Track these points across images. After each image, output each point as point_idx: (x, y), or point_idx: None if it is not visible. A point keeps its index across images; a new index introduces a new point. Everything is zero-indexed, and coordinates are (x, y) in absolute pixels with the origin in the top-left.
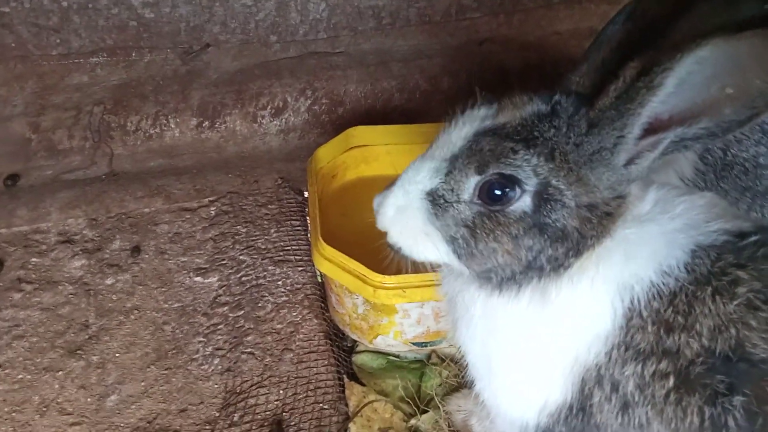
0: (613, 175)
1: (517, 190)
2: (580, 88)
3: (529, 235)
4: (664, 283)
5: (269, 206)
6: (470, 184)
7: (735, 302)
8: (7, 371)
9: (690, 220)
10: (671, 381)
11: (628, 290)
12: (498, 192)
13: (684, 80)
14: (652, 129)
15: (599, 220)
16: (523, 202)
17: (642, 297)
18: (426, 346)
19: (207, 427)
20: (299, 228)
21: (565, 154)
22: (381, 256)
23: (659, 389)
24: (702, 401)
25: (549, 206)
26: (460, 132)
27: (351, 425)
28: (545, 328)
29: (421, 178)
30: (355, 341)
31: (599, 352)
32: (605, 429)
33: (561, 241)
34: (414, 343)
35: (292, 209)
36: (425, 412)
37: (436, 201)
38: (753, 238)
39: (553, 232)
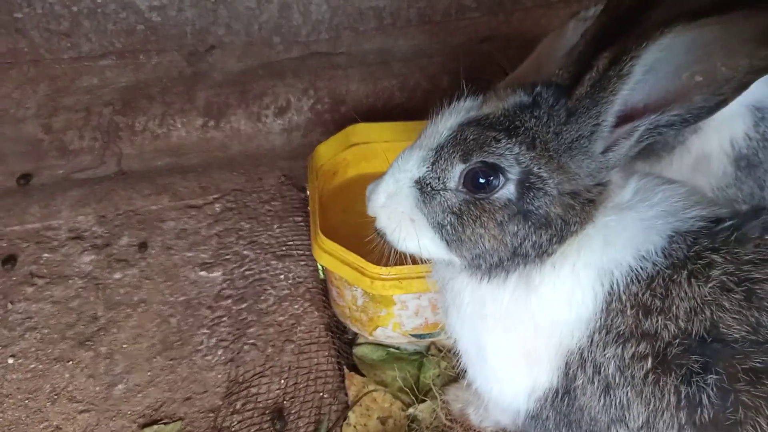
0: (592, 163)
1: (501, 178)
2: (560, 80)
3: (513, 221)
4: (642, 268)
5: (272, 203)
6: (455, 172)
7: (709, 285)
8: (20, 361)
9: (668, 207)
10: (649, 362)
11: (608, 275)
12: (482, 180)
13: (652, 68)
14: (628, 117)
15: (582, 207)
16: (507, 190)
17: (621, 281)
18: (425, 337)
19: (210, 415)
20: (301, 224)
21: (545, 143)
22: (381, 250)
23: (638, 370)
24: (678, 381)
25: (532, 194)
26: (446, 123)
27: (350, 414)
28: (530, 314)
29: (410, 166)
30: (356, 334)
31: (582, 335)
32: (589, 411)
33: (545, 227)
34: (413, 335)
35: (294, 206)
36: (423, 401)
37: (424, 189)
38: (728, 223)
39: (536, 218)
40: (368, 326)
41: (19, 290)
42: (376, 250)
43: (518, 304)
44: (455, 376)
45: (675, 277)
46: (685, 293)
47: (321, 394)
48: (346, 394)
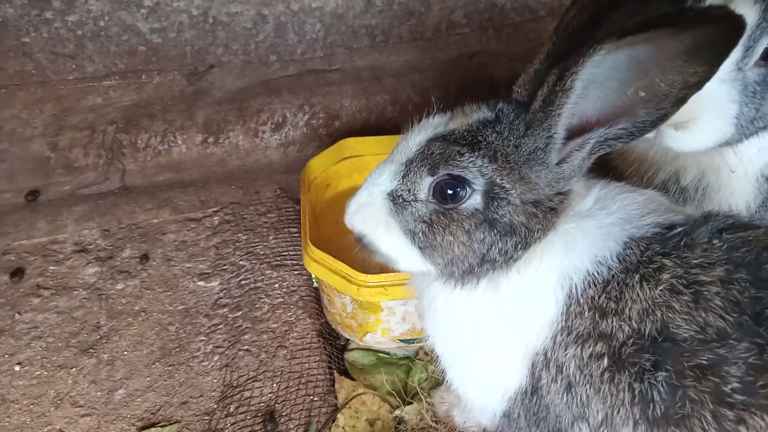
0: (549, 173)
1: (467, 189)
2: (520, 97)
3: (480, 229)
4: (598, 272)
5: (268, 215)
6: (424, 184)
7: (660, 288)
8: (26, 368)
9: (625, 215)
10: (605, 361)
11: (567, 279)
12: (450, 191)
13: (594, 83)
14: (580, 130)
15: (544, 215)
16: (474, 200)
17: (579, 285)
18: (413, 342)
19: (205, 418)
20: (296, 234)
21: (506, 156)
22: (372, 260)
23: (596, 369)
24: (631, 378)
25: (497, 203)
26: (415, 139)
27: (339, 416)
28: (499, 317)
29: (383, 180)
30: (348, 340)
31: (545, 336)
32: (554, 409)
33: (510, 234)
34: (401, 340)
35: (290, 217)
36: (410, 404)
37: (396, 200)
38: (678, 229)
39: (502, 226)
40: (358, 332)
41: (26, 301)
42: (368, 258)
43: (488, 308)
44: (442, 380)
45: (628, 280)
46: (638, 296)
47: (311, 397)
48: (336, 397)
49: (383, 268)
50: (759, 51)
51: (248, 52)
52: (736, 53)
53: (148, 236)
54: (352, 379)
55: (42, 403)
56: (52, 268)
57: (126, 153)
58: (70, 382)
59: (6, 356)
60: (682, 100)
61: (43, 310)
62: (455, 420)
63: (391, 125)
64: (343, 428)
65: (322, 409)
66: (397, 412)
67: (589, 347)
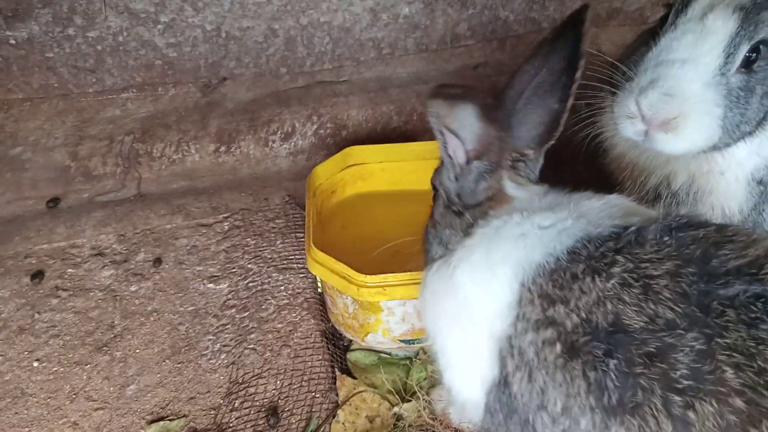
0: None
1: None
2: None
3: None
4: (547, 263)
5: (276, 220)
6: None
7: (611, 281)
8: (44, 364)
9: (585, 214)
10: (558, 347)
11: (520, 269)
12: None
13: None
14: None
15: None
16: None
17: (530, 275)
18: (413, 343)
19: (212, 412)
20: (302, 239)
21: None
22: (375, 263)
23: (550, 354)
24: (585, 366)
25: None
26: None
27: (339, 412)
28: (462, 303)
29: None
30: (351, 340)
31: (507, 323)
32: (521, 398)
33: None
34: (402, 341)
35: (297, 223)
36: (408, 401)
37: None
38: (632, 228)
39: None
40: (360, 332)
41: (45, 302)
42: (373, 261)
43: (452, 291)
44: (441, 380)
45: (578, 273)
46: (589, 288)
47: (313, 394)
48: (337, 395)
49: (382, 270)
50: (740, 57)
51: (259, 65)
52: (718, 59)
53: (161, 241)
54: (354, 377)
55: (58, 397)
56: (70, 270)
57: (142, 162)
58: (85, 377)
59: (26, 353)
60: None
61: (61, 310)
62: (452, 417)
63: (396, 134)
64: (343, 424)
65: (323, 405)
66: (396, 409)
67: (542, 333)
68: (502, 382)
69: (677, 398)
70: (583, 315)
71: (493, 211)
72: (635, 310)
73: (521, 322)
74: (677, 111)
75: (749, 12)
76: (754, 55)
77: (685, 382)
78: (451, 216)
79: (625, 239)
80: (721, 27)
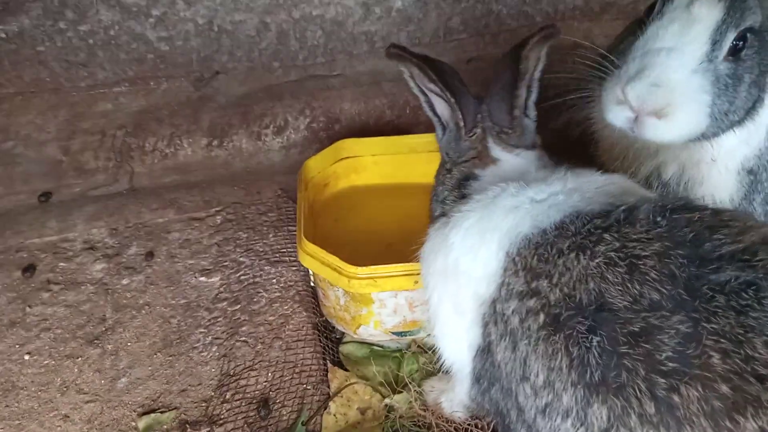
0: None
1: None
2: None
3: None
4: (533, 235)
5: (269, 214)
6: None
7: (596, 259)
8: (35, 357)
9: (578, 189)
10: (541, 317)
11: (506, 239)
12: None
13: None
14: None
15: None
16: None
17: (516, 246)
18: (405, 335)
19: (203, 405)
20: (295, 232)
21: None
22: (369, 257)
23: (533, 324)
24: (568, 341)
25: None
26: None
27: (331, 404)
28: (452, 263)
29: None
30: (343, 333)
31: (491, 287)
32: (504, 367)
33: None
34: (394, 333)
35: (289, 216)
36: (400, 393)
37: None
38: (623, 207)
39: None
40: (351, 325)
41: (36, 295)
42: (365, 254)
43: (445, 251)
44: (433, 372)
45: (564, 249)
46: (573, 264)
47: (305, 386)
48: (329, 387)
49: (376, 263)
50: (726, 45)
51: (252, 59)
52: (704, 46)
53: (153, 234)
54: (346, 370)
55: (49, 390)
56: (62, 264)
57: (134, 156)
58: (76, 370)
59: (17, 346)
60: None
61: (52, 303)
62: (443, 406)
63: (389, 128)
64: (334, 415)
65: (315, 397)
66: (387, 400)
67: (527, 302)
68: (486, 350)
69: (662, 380)
70: (566, 291)
71: (478, 170)
72: (619, 290)
73: (505, 289)
74: (664, 100)
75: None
76: (741, 43)
77: (670, 365)
78: (444, 173)
79: (614, 217)
80: (706, 14)
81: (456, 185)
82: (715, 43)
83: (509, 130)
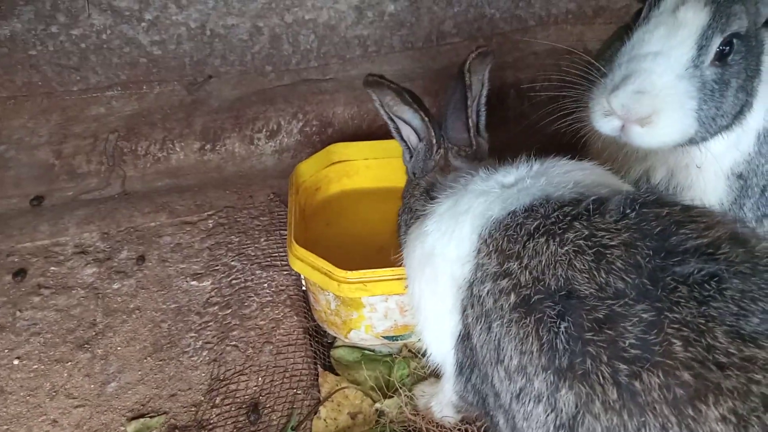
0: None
1: None
2: None
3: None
4: (503, 217)
5: (261, 218)
6: None
7: (565, 247)
8: (24, 362)
9: (543, 174)
10: (512, 297)
11: (479, 221)
12: None
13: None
14: None
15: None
16: None
17: (488, 228)
18: (396, 339)
19: (192, 409)
20: (286, 236)
21: None
22: (360, 261)
23: (505, 303)
24: (539, 325)
25: None
26: None
27: (321, 408)
28: (428, 249)
29: None
30: (335, 337)
31: (466, 268)
32: (480, 351)
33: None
34: (385, 337)
35: (281, 220)
36: (390, 398)
37: None
38: (594, 197)
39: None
40: (342, 329)
41: (27, 300)
42: (357, 258)
43: (418, 244)
44: (424, 376)
45: (533, 232)
46: (542, 248)
47: (295, 390)
48: (319, 391)
49: (365, 266)
50: (712, 50)
51: (245, 63)
52: (690, 51)
53: (145, 239)
54: (337, 374)
55: (38, 394)
56: (52, 268)
57: (127, 160)
58: (66, 375)
59: (6, 351)
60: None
61: (42, 308)
62: (433, 410)
63: (382, 132)
64: (324, 420)
65: (305, 402)
66: (378, 405)
67: (500, 282)
68: (466, 335)
69: (624, 367)
70: (535, 274)
71: (441, 177)
72: (585, 277)
73: (480, 271)
74: (650, 108)
75: (721, 5)
76: (728, 48)
77: (633, 352)
78: (411, 189)
79: (584, 206)
80: (692, 19)
81: (424, 192)
82: (702, 48)
83: (467, 148)
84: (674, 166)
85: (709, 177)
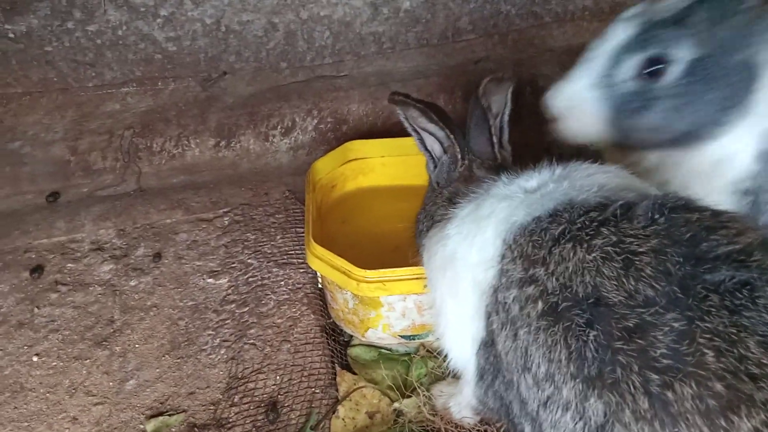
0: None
1: None
2: None
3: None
4: (527, 224)
5: (277, 215)
6: None
7: (593, 253)
8: (43, 359)
9: (565, 178)
10: (540, 305)
11: (503, 225)
12: None
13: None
14: None
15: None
16: None
17: (512, 233)
18: (414, 339)
19: (211, 408)
20: (302, 234)
21: None
22: (376, 259)
23: (532, 311)
24: (567, 333)
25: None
26: None
27: (339, 408)
28: (449, 254)
29: None
30: (351, 336)
31: (489, 273)
32: (505, 357)
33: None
34: (402, 336)
35: (297, 218)
36: (409, 397)
37: None
38: (622, 201)
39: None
40: (360, 328)
41: (44, 296)
42: (373, 256)
43: (441, 247)
44: (441, 376)
45: (558, 237)
46: (569, 255)
47: (313, 389)
48: (337, 390)
49: (383, 265)
50: (626, 65)
51: (259, 59)
52: (605, 64)
53: (161, 236)
54: (354, 373)
55: (57, 391)
56: (69, 265)
57: (142, 156)
58: (84, 372)
59: (25, 348)
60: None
61: (60, 304)
62: (452, 411)
63: (397, 129)
64: (343, 419)
65: (323, 401)
66: (396, 405)
67: (526, 289)
68: (489, 342)
69: (655, 377)
70: (562, 281)
71: (464, 188)
72: (614, 284)
73: (505, 277)
74: (555, 109)
75: (649, 27)
76: (662, 67)
77: (664, 362)
78: (434, 194)
79: (611, 211)
80: (614, 36)
81: (447, 200)
82: (617, 63)
83: (490, 161)
84: (686, 176)
85: (713, 194)
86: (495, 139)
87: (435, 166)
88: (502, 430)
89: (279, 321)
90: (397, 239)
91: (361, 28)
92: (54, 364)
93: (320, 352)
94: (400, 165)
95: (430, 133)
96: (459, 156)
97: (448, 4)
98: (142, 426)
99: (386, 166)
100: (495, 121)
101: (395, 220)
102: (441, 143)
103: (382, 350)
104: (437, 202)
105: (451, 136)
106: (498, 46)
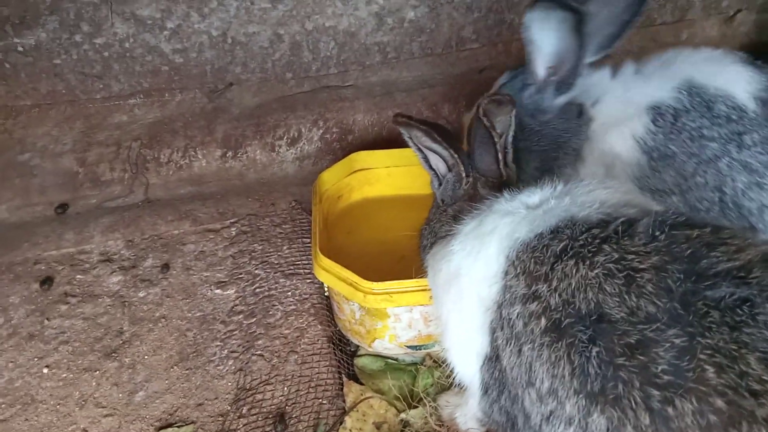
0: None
1: None
2: None
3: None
4: (530, 239)
5: (283, 226)
6: None
7: (595, 270)
8: (53, 371)
9: (567, 194)
10: (543, 322)
11: (506, 242)
12: None
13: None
14: None
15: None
16: None
17: (515, 250)
18: (420, 349)
19: (219, 419)
20: (309, 244)
21: None
22: (382, 269)
23: (536, 327)
24: (570, 349)
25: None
26: None
27: (347, 418)
28: (454, 270)
29: None
30: (358, 346)
31: (493, 289)
32: (510, 372)
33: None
34: (409, 347)
35: (304, 228)
36: (415, 408)
37: None
38: (622, 219)
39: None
40: (366, 338)
41: (54, 308)
42: (379, 267)
43: (445, 265)
44: (448, 386)
45: (560, 254)
46: (572, 271)
47: (320, 400)
48: (344, 401)
49: (389, 275)
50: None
51: (265, 70)
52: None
53: (169, 246)
54: (361, 383)
55: (68, 403)
56: (79, 276)
57: (149, 167)
58: (94, 384)
59: (35, 359)
60: None
61: (70, 316)
62: (458, 421)
63: (401, 139)
64: (350, 430)
65: (331, 411)
66: (403, 415)
67: (529, 306)
68: (494, 357)
69: (656, 393)
70: (565, 297)
71: (468, 206)
72: (616, 301)
73: (508, 293)
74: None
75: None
76: None
77: (666, 378)
78: (438, 211)
79: (613, 228)
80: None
81: (451, 218)
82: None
83: (495, 179)
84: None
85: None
86: (500, 158)
87: (440, 184)
88: None
89: (286, 332)
90: (403, 249)
91: (366, 39)
92: (64, 375)
93: (327, 363)
94: (405, 175)
95: (435, 152)
96: (463, 174)
97: (452, 13)
98: None
99: (392, 176)
100: (501, 140)
101: (401, 229)
102: (445, 161)
103: (389, 360)
104: (441, 219)
105: (455, 156)
106: (502, 55)
